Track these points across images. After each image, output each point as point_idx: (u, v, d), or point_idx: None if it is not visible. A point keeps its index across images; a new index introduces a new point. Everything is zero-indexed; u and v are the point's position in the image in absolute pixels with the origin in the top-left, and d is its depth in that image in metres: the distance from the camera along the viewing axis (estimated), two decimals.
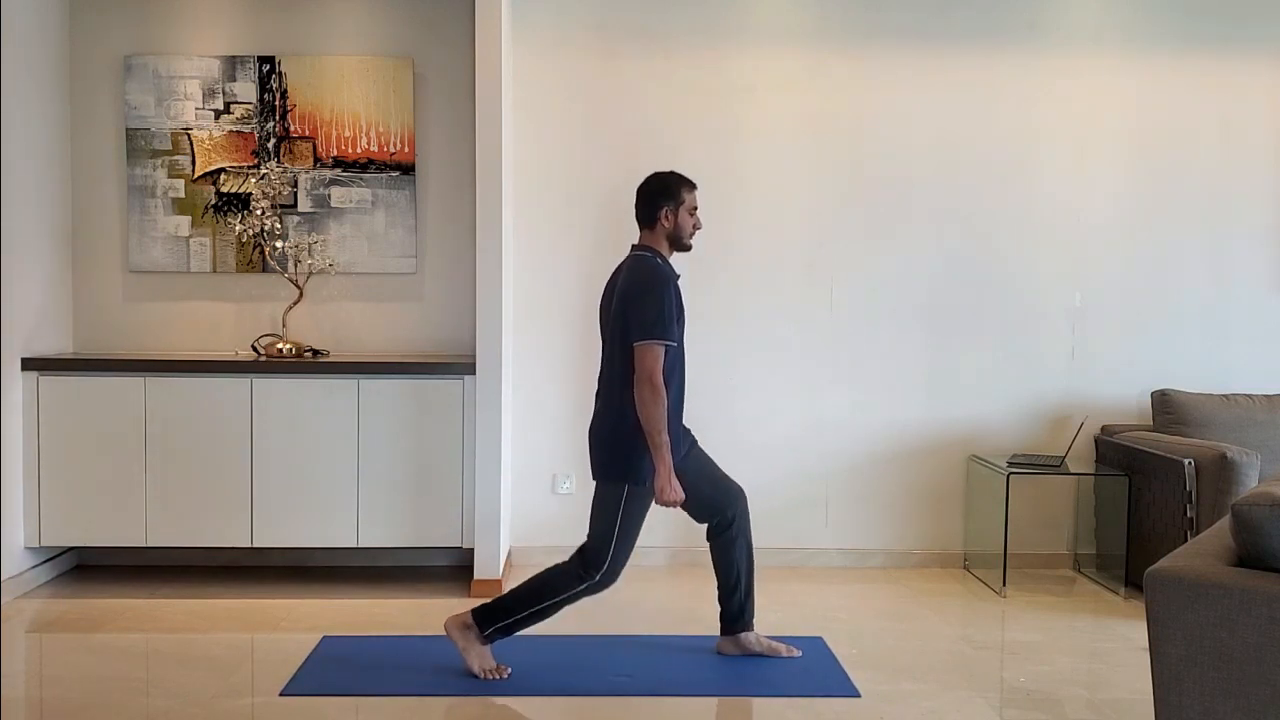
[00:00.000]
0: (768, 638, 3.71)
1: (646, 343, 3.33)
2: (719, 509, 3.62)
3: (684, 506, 3.53)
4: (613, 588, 3.46)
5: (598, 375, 3.55)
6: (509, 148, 4.64)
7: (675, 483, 3.36)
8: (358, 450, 4.40)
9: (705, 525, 3.67)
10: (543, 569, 3.51)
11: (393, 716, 3.18)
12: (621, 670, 3.55)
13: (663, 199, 3.50)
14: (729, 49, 4.87)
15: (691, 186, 3.55)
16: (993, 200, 4.95)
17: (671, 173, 3.57)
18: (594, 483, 3.50)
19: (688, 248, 3.56)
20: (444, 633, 3.50)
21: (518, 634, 3.52)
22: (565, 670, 3.55)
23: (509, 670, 3.47)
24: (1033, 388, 4.99)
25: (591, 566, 3.41)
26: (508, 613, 3.44)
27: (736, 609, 3.67)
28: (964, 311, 4.96)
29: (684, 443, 3.55)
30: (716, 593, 3.70)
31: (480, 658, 3.45)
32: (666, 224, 3.50)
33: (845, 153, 4.91)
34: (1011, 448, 4.96)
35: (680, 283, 3.49)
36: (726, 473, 3.68)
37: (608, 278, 3.58)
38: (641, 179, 3.45)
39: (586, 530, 3.47)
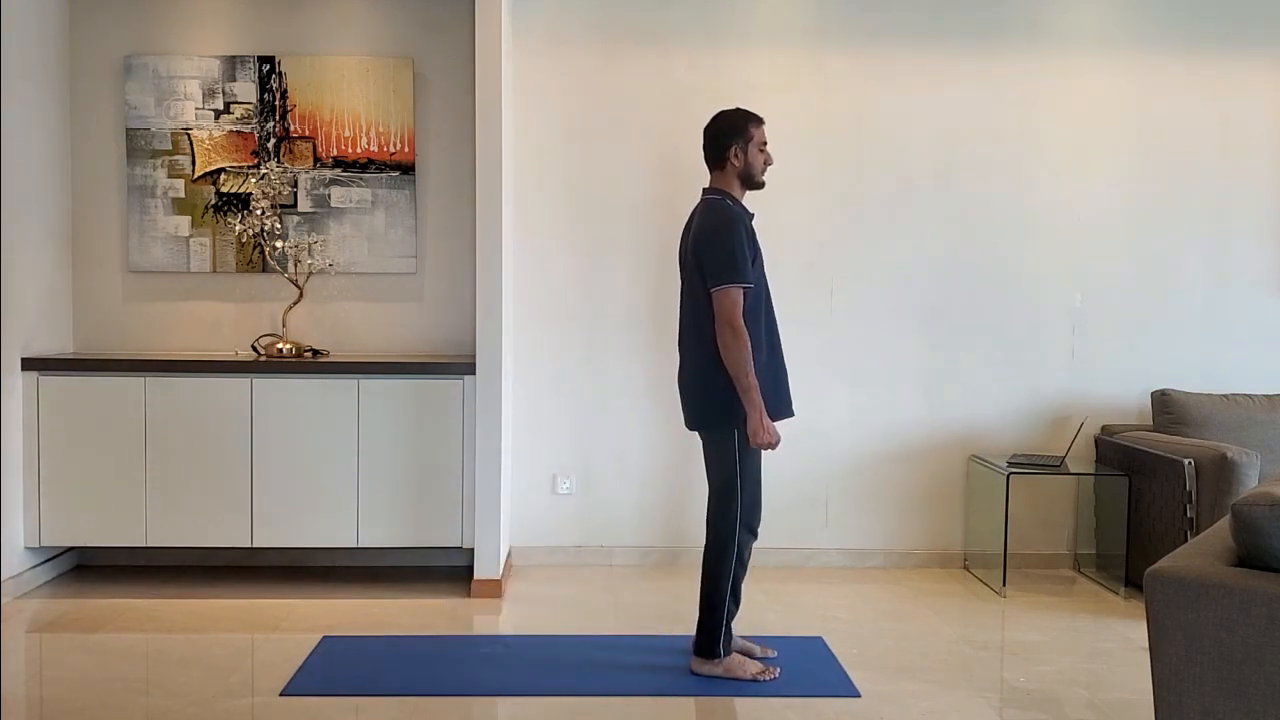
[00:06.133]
0: (742, 638, 3.65)
1: (723, 288, 3.29)
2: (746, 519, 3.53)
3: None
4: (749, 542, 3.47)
5: (678, 324, 3.54)
6: (509, 148, 4.64)
7: (769, 424, 3.32)
8: (358, 450, 4.40)
9: None
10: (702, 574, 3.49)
11: (393, 716, 3.18)
12: (620, 669, 3.54)
13: (730, 137, 3.45)
14: (729, 49, 4.87)
15: (759, 121, 3.50)
16: (993, 200, 4.95)
17: (737, 109, 3.53)
18: (696, 434, 3.49)
19: (760, 185, 3.52)
20: (692, 673, 3.48)
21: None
22: (565, 670, 3.55)
23: (777, 671, 3.45)
24: (1033, 388, 4.99)
25: (728, 514, 3.39)
26: (709, 629, 3.43)
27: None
28: (964, 311, 4.96)
29: (784, 383, 3.49)
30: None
31: (739, 667, 3.44)
32: (736, 162, 3.45)
33: (845, 153, 4.91)
34: (1011, 448, 4.96)
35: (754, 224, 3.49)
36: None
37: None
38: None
39: (707, 484, 3.47)
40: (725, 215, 3.38)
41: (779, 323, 3.52)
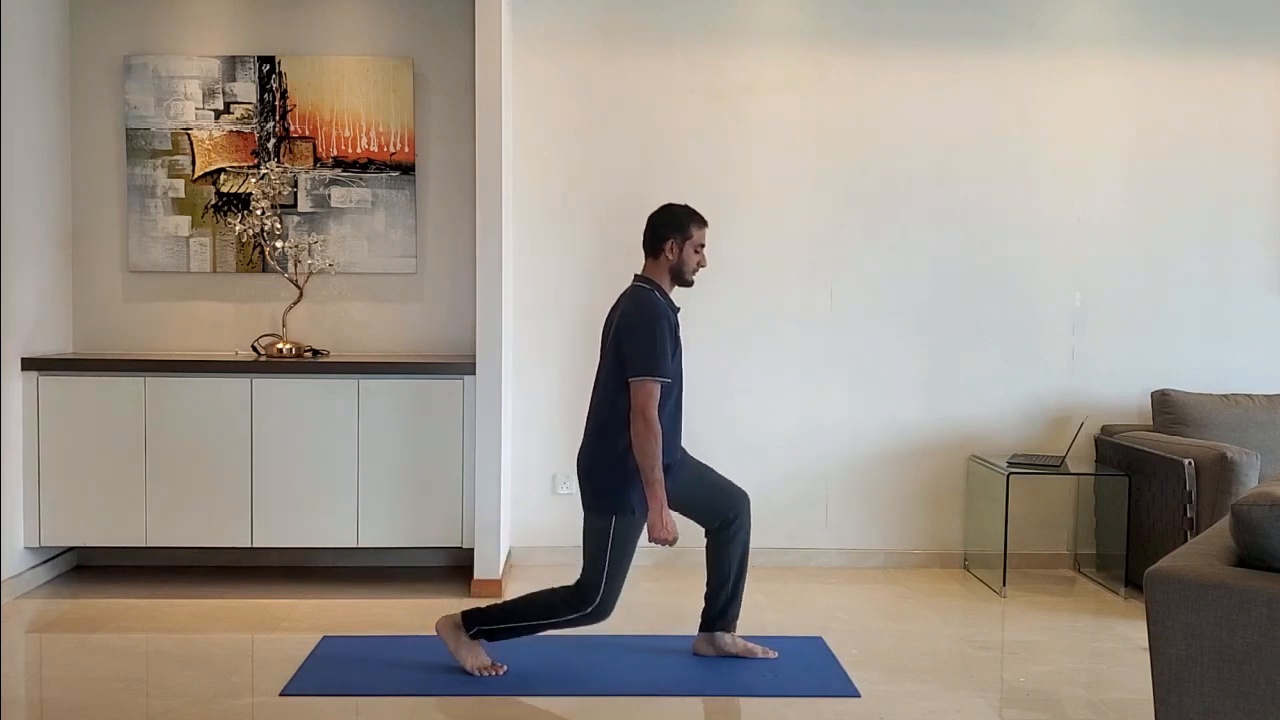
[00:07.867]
0: (743, 638, 3.68)
1: (641, 379, 3.32)
2: (721, 512, 3.60)
3: (688, 513, 3.55)
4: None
5: (589, 403, 3.53)
6: (509, 148, 4.64)
7: (669, 519, 3.34)
8: (358, 450, 4.40)
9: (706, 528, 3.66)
10: (546, 588, 3.49)
11: (393, 716, 3.18)
12: (620, 669, 3.54)
13: (669, 231, 3.48)
14: (729, 49, 4.87)
15: (702, 223, 3.52)
16: (993, 200, 4.95)
17: (684, 206, 3.54)
18: (583, 513, 3.47)
19: (689, 283, 3.54)
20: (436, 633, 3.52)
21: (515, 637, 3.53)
22: (563, 671, 3.55)
23: (504, 667, 3.47)
24: (1033, 388, 4.99)
25: (585, 600, 3.39)
26: (497, 620, 3.44)
27: (720, 608, 3.65)
28: (964, 311, 4.96)
29: (676, 464, 3.51)
30: (705, 589, 3.68)
31: (471, 654, 3.45)
32: (670, 256, 3.47)
33: (845, 152, 4.91)
34: (1011, 448, 4.96)
35: (680, 316, 3.51)
36: (727, 478, 3.67)
37: (610, 300, 3.55)
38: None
39: (581, 562, 3.44)
40: (651, 308, 3.41)
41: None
